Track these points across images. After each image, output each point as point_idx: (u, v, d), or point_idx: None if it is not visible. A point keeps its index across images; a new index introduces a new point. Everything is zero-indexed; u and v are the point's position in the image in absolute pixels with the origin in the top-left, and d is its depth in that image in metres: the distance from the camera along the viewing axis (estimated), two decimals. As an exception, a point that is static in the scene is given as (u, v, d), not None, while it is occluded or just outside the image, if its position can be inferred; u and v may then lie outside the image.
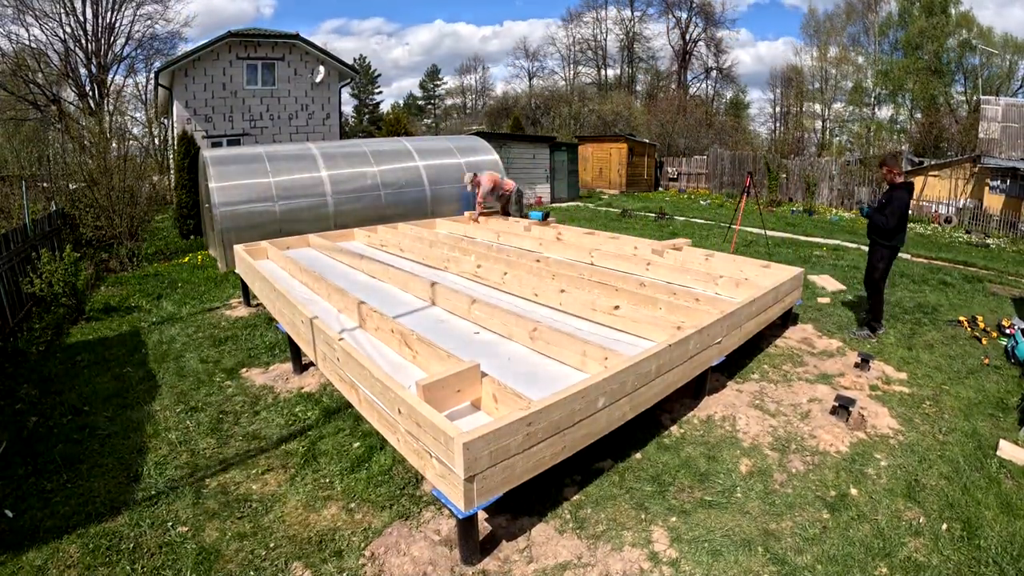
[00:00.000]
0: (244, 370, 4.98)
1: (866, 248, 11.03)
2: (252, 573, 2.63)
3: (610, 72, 46.69)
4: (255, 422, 4.05)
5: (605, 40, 46.16)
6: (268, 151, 10.01)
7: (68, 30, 22.92)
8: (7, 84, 20.17)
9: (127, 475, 3.40)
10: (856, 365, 4.93)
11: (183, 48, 24.72)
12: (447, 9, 79.14)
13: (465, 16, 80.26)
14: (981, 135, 17.37)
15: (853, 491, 3.20)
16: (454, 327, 4.40)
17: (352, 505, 3.08)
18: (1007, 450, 3.56)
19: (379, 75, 52.47)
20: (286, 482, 3.31)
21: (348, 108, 47.44)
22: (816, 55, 37.13)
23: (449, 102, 54.48)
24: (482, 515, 2.88)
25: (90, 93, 23.48)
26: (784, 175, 20.19)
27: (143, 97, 24.85)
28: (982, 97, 19.51)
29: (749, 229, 12.54)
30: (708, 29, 44.02)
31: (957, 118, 28.99)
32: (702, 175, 23.75)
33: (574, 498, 3.13)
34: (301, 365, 4.86)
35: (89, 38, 23.46)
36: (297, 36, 18.96)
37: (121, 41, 24.50)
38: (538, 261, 5.99)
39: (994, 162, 15.99)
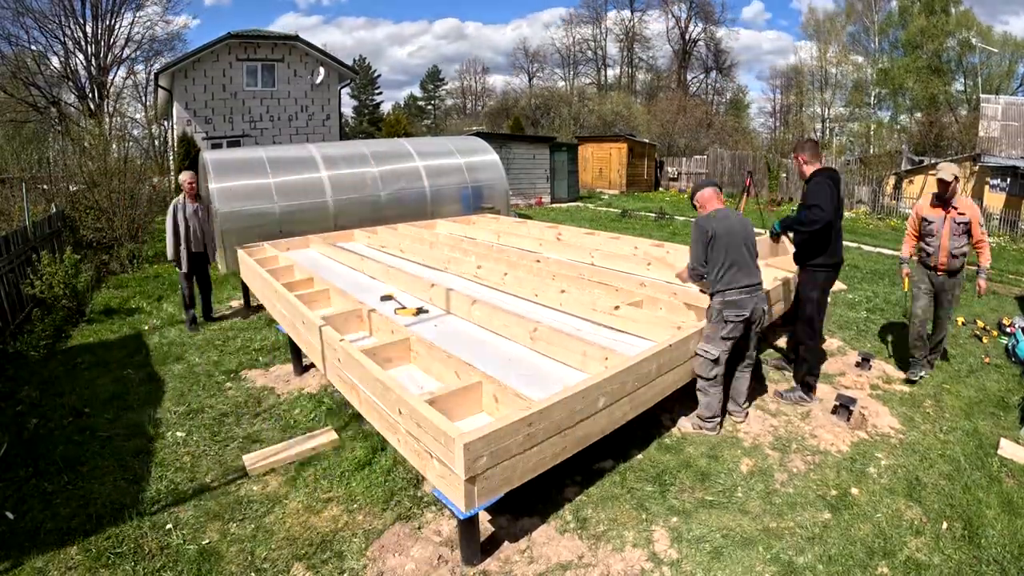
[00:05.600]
0: (245, 371, 4.99)
1: (867, 247, 11.03)
2: (253, 574, 2.63)
3: (610, 72, 46.76)
4: (256, 423, 4.05)
5: (605, 40, 46.23)
6: (268, 152, 10.02)
7: (68, 32, 22.97)
8: (7, 86, 20.19)
9: (128, 477, 3.40)
10: (857, 364, 4.93)
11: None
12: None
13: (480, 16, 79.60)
14: (981, 134, 17.36)
15: (854, 490, 3.20)
16: (454, 327, 4.40)
17: (353, 506, 3.08)
18: (1008, 449, 3.56)
19: (379, 75, 52.56)
20: (287, 483, 3.31)
21: (348, 109, 47.51)
22: (816, 54, 37.15)
23: (450, 102, 54.50)
24: (483, 516, 2.88)
25: (90, 95, 23.51)
26: (784, 174, 20.19)
27: (143, 99, 24.87)
28: (982, 96, 19.50)
29: (749, 229, 12.51)
30: (708, 29, 44.09)
31: (957, 117, 28.98)
32: (702, 175, 23.76)
33: (575, 499, 3.13)
34: (302, 366, 4.86)
35: (89, 40, 23.49)
36: (297, 37, 18.97)
37: (121, 43, 24.54)
38: (538, 261, 5.98)
39: (994, 161, 15.98)
